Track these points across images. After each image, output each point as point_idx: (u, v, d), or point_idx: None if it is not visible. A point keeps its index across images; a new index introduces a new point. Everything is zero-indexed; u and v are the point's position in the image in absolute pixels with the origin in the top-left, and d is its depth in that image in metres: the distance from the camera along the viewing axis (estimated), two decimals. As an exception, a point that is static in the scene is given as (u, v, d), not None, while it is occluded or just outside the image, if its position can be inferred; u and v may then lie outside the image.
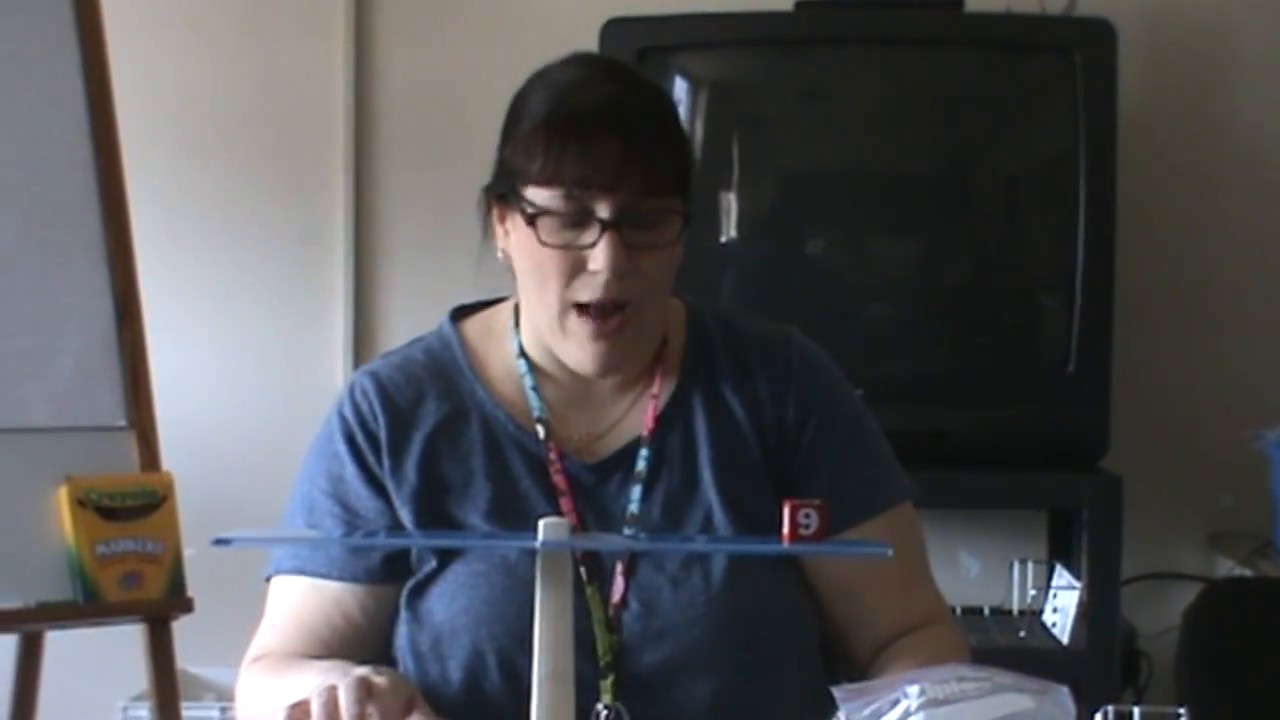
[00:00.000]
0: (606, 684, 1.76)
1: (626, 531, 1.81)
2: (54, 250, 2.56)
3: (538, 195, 1.76)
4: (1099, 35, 3.30)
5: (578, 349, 1.79)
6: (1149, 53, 3.59)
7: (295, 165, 3.75)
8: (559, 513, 1.80)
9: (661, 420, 1.85)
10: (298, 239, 3.74)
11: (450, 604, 1.80)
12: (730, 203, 3.43)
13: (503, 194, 1.81)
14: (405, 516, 1.82)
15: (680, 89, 3.37)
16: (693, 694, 1.77)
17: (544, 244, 1.75)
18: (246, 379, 3.74)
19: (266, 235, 3.74)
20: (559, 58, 1.84)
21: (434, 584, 1.82)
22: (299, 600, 1.86)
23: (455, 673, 1.78)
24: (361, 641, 1.84)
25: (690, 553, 1.80)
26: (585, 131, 1.74)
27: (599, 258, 1.74)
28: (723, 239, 3.41)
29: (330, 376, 3.70)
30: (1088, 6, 3.43)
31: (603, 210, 1.74)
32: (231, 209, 3.74)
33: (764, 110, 3.54)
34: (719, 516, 1.81)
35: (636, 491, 1.82)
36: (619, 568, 1.80)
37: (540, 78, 1.82)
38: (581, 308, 1.77)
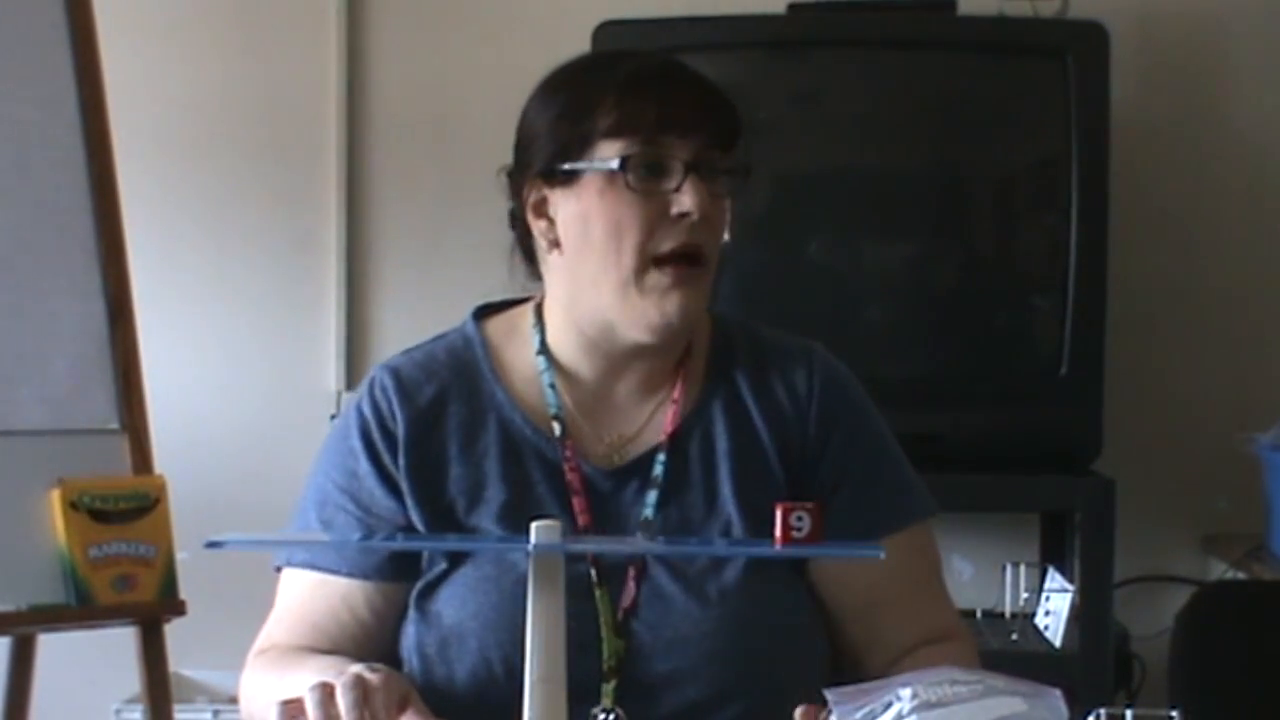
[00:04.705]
0: (608, 688, 1.74)
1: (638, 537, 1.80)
2: (47, 253, 2.56)
3: (610, 149, 1.75)
4: (1091, 38, 3.30)
5: (657, 304, 1.76)
6: (1141, 55, 3.60)
7: (289, 169, 3.75)
8: (572, 515, 1.79)
9: (682, 427, 1.84)
10: (291, 243, 3.74)
11: (460, 608, 1.78)
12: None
13: (550, 171, 1.79)
14: (416, 517, 1.81)
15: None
16: (698, 705, 1.75)
17: (631, 189, 1.74)
18: (239, 383, 3.73)
19: (260, 239, 3.74)
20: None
21: (443, 586, 1.80)
22: (307, 595, 1.85)
23: (462, 676, 1.77)
24: (368, 639, 1.83)
25: (706, 563, 1.78)
26: (660, 82, 1.77)
27: (685, 200, 1.75)
28: (716, 242, 3.40)
29: (323, 380, 3.70)
30: (1080, 9, 3.43)
31: (683, 153, 1.75)
32: (225, 213, 3.73)
33: (756, 113, 3.53)
34: (739, 528, 1.80)
35: (652, 497, 1.81)
36: (630, 572, 1.78)
37: (559, 70, 1.83)
38: (661, 261, 1.76)
